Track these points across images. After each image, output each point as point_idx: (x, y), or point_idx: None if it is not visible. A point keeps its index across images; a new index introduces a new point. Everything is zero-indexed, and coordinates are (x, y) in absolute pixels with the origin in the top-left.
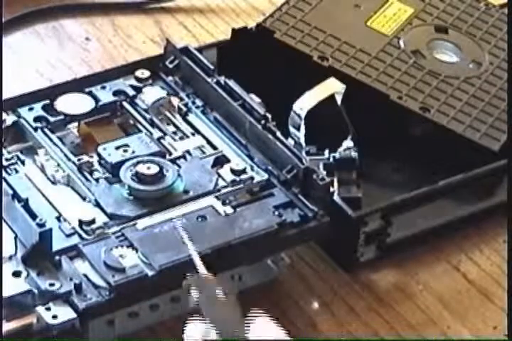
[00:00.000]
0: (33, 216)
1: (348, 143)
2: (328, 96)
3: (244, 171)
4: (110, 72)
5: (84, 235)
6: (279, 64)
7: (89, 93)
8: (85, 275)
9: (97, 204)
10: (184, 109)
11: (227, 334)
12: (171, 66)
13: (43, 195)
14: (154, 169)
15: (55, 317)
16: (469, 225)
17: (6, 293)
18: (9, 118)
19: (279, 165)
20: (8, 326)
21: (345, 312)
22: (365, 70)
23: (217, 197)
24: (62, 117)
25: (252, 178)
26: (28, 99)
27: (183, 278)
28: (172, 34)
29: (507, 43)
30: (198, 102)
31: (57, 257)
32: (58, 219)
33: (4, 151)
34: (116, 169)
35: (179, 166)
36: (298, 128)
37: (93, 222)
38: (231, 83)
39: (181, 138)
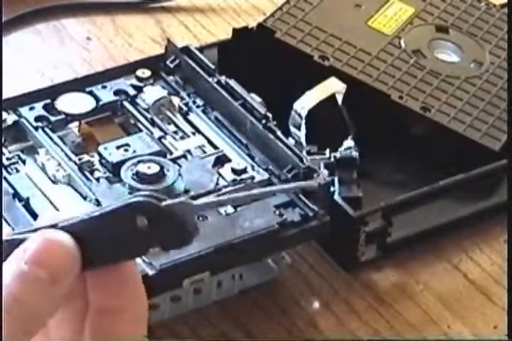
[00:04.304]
0: (34, 215)
1: (348, 142)
2: (329, 96)
3: (244, 171)
4: (111, 71)
5: None
6: (279, 63)
7: (90, 92)
8: None
9: (98, 204)
10: (185, 108)
11: None
12: (171, 65)
13: (44, 195)
14: (155, 168)
15: None
16: (469, 225)
17: None
18: (10, 118)
19: (279, 165)
20: None
21: (346, 311)
22: (366, 70)
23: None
24: (63, 117)
25: (252, 178)
26: (28, 98)
27: (183, 278)
28: (173, 34)
29: (507, 43)
30: (199, 102)
31: None
32: None
33: (5, 151)
34: (117, 168)
35: (180, 166)
36: (298, 128)
37: None
38: (232, 82)
39: (182, 138)
